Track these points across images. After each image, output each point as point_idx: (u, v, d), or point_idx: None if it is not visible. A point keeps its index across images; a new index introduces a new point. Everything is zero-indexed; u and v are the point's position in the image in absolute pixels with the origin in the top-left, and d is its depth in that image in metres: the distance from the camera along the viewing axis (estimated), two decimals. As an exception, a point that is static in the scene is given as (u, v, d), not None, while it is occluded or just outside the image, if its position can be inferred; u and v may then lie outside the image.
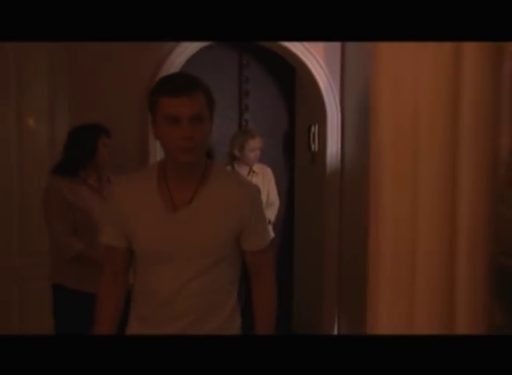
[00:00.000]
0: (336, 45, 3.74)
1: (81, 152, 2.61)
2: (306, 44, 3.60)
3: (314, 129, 3.94)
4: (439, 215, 1.76)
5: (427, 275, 1.78)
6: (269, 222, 3.58)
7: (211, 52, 3.86)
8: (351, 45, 3.68)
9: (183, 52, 3.60)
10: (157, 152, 3.73)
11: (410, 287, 1.77)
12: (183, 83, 1.44)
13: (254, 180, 3.60)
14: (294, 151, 4.47)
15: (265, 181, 3.68)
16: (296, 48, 3.58)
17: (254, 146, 3.65)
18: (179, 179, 1.55)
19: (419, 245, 1.74)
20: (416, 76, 1.51)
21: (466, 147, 1.66)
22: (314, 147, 3.96)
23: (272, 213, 3.67)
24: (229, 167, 3.73)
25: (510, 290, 1.46)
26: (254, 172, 3.69)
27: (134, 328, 1.66)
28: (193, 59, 3.66)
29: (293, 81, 4.37)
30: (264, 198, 3.58)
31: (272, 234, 3.66)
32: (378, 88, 1.62)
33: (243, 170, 3.70)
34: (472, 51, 1.48)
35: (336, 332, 3.84)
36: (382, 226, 1.85)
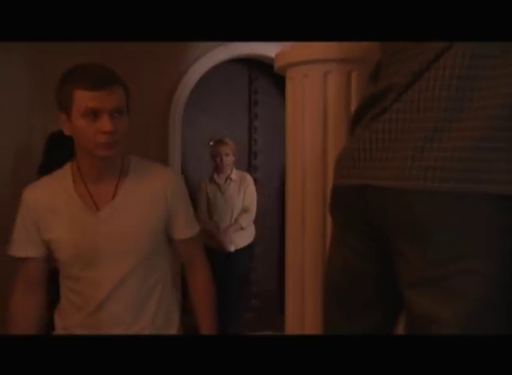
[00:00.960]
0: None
1: (46, 158, 2.87)
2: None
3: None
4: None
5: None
6: (241, 228, 3.62)
7: (224, 68, 4.28)
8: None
9: (199, 68, 4.07)
10: (175, 159, 4.19)
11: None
12: (101, 75, 1.35)
13: (231, 186, 3.67)
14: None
15: (242, 188, 3.71)
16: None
17: (225, 152, 3.72)
18: (97, 177, 1.46)
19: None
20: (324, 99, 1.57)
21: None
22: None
23: (245, 219, 3.66)
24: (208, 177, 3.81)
25: None
26: (230, 179, 3.71)
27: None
28: (208, 74, 4.13)
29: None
30: (239, 204, 3.66)
31: (251, 239, 3.73)
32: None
33: (220, 178, 3.73)
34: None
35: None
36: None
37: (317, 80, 1.52)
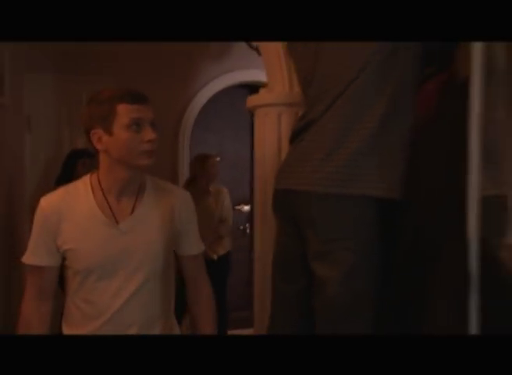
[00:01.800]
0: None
1: (63, 171, 3.32)
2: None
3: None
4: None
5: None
6: (221, 237, 3.85)
7: (228, 93, 4.76)
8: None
9: (206, 93, 4.59)
10: (184, 173, 4.65)
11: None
12: (137, 92, 1.47)
13: (210, 199, 3.86)
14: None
15: (219, 201, 3.88)
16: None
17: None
18: (119, 191, 1.51)
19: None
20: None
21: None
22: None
23: (224, 229, 3.89)
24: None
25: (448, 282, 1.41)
26: (208, 192, 3.87)
27: None
28: (214, 98, 4.63)
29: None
30: (216, 215, 3.84)
31: (229, 248, 3.94)
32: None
33: (198, 190, 3.82)
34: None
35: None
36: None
37: (274, 118, 2.17)
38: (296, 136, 1.56)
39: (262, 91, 2.28)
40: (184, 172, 4.71)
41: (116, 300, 1.50)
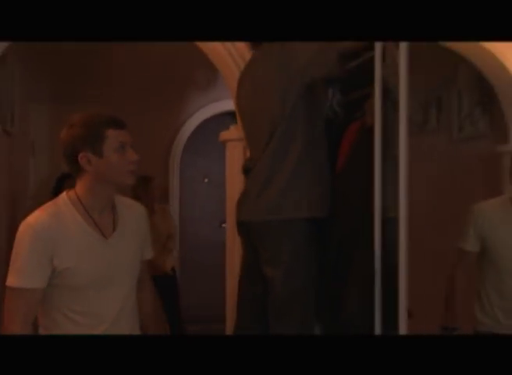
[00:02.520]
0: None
1: (54, 194, 3.66)
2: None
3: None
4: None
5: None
6: (170, 251, 4.17)
7: (216, 120, 5.14)
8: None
9: (195, 120, 5.04)
10: (174, 194, 5.03)
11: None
12: (119, 118, 1.56)
13: (156, 218, 4.04)
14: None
15: (165, 219, 4.16)
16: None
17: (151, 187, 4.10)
18: (101, 208, 1.58)
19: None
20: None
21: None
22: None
23: (171, 244, 4.21)
24: None
25: (360, 279, 1.80)
26: (154, 211, 4.05)
27: None
28: (202, 124, 5.06)
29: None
30: (164, 232, 4.09)
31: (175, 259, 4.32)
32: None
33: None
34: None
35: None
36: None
37: (240, 151, 2.61)
38: (245, 174, 1.98)
39: (232, 127, 2.70)
40: (174, 192, 5.11)
41: (114, 307, 1.58)
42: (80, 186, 1.55)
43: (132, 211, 1.68)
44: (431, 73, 3.52)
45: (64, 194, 1.56)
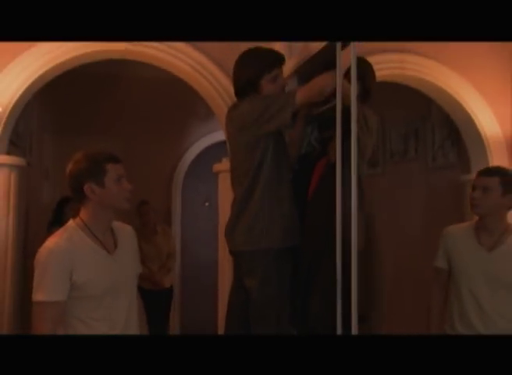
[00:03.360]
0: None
1: (54, 216, 3.74)
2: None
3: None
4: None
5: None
6: (169, 270, 4.43)
7: (217, 147, 5.49)
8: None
9: (197, 148, 5.41)
10: (176, 217, 5.37)
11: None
12: (114, 154, 1.83)
13: (158, 238, 4.40)
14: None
15: (166, 239, 4.45)
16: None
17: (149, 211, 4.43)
18: (103, 229, 1.84)
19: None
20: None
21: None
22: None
23: (171, 262, 4.49)
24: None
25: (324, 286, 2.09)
26: (156, 231, 4.42)
27: None
28: (204, 151, 5.41)
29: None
30: (165, 251, 4.39)
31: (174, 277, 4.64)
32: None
33: (148, 230, 4.35)
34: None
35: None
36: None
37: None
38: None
39: (224, 160, 3.04)
40: (177, 215, 5.45)
41: (123, 314, 1.84)
42: (85, 212, 1.81)
43: (125, 232, 1.94)
44: (410, 109, 3.89)
45: (71, 222, 1.83)
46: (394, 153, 4.18)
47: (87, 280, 1.75)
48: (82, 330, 1.78)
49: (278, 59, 2.22)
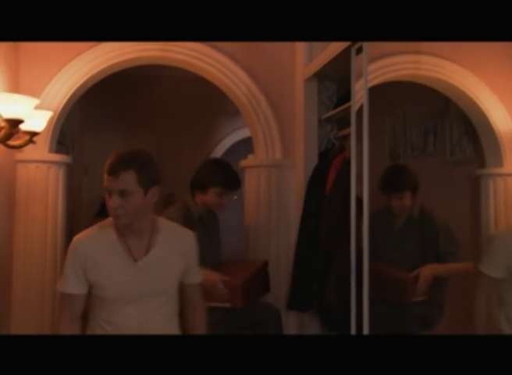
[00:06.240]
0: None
1: (101, 207, 3.96)
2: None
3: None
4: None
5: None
6: None
7: (245, 142, 5.75)
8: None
9: (226, 143, 5.69)
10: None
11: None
12: (115, 162, 1.63)
13: None
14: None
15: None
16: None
17: None
18: (131, 234, 1.72)
19: None
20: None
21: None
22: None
23: None
24: None
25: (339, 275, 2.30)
26: None
27: None
28: (232, 146, 5.66)
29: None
30: None
31: None
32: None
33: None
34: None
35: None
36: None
37: (255, 175, 3.18)
38: None
39: (250, 156, 3.27)
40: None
41: (134, 322, 1.75)
42: None
43: (177, 237, 1.81)
44: (429, 106, 4.05)
45: (110, 218, 1.75)
46: (414, 148, 4.34)
47: (99, 281, 1.72)
48: (98, 331, 1.78)
49: None
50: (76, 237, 1.76)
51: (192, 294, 1.91)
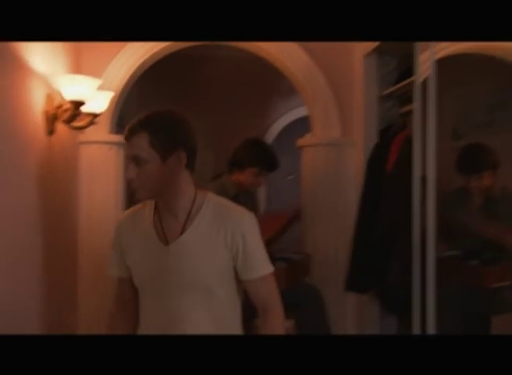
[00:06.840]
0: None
1: None
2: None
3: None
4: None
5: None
6: None
7: (301, 122, 5.68)
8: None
9: (282, 123, 5.65)
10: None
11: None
12: (131, 126, 1.39)
13: None
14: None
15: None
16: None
17: None
18: (167, 212, 1.47)
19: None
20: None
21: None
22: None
23: None
24: None
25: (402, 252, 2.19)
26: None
27: None
28: (288, 126, 5.61)
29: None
30: None
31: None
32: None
33: None
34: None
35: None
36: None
37: (312, 154, 3.14)
38: None
39: (307, 135, 3.21)
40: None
41: (165, 318, 1.46)
42: None
43: (223, 218, 1.45)
44: (496, 80, 3.83)
45: None
46: (479, 125, 4.14)
47: (130, 265, 1.52)
48: (141, 329, 1.55)
49: None
50: (119, 218, 1.60)
51: (255, 293, 1.49)
